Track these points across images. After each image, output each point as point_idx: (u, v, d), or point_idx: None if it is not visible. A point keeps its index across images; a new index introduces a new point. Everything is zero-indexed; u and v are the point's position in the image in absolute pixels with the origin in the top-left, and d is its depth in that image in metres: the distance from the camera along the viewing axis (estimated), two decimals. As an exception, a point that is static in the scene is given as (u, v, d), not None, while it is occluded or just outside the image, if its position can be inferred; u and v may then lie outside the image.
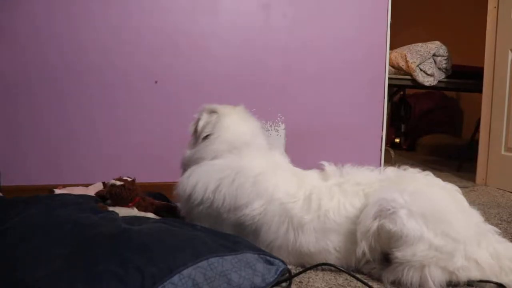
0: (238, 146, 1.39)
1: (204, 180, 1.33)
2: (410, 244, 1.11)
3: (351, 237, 1.22)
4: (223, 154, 1.38)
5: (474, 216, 1.24)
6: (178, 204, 1.51)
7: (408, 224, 1.12)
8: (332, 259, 1.23)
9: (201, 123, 1.44)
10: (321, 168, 1.38)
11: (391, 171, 1.33)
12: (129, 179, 1.54)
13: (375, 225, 1.16)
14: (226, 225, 1.30)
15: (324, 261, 1.23)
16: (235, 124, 1.44)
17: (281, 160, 1.44)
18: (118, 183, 1.50)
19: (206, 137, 1.42)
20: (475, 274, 1.13)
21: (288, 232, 1.25)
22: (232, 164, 1.34)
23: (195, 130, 1.47)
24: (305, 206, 1.26)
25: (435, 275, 1.10)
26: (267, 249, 1.23)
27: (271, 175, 1.32)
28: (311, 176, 1.37)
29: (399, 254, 1.12)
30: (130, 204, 1.50)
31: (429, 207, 1.15)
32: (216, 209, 1.30)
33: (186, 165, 1.45)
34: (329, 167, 1.37)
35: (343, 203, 1.25)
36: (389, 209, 1.15)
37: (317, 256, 1.24)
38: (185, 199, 1.37)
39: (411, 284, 1.11)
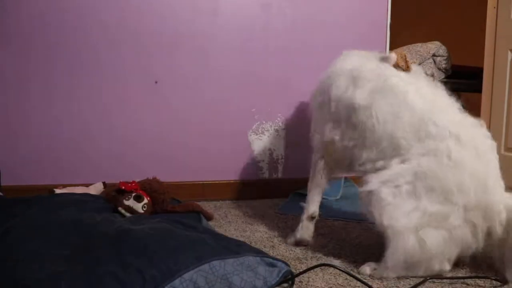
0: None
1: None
2: (406, 213, 1.16)
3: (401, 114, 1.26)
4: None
5: (495, 192, 1.21)
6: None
7: (403, 200, 1.17)
8: (369, 125, 1.29)
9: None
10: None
11: (471, 123, 1.36)
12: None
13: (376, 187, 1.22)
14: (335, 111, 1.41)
15: (366, 118, 1.29)
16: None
17: None
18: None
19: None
20: (471, 239, 1.17)
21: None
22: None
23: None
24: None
25: (431, 235, 1.15)
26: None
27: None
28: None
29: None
30: (162, 196, 1.54)
31: (438, 185, 1.17)
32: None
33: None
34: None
35: (415, 89, 1.34)
36: (394, 182, 1.20)
37: (363, 112, 1.30)
38: (323, 91, 1.51)
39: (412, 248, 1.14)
